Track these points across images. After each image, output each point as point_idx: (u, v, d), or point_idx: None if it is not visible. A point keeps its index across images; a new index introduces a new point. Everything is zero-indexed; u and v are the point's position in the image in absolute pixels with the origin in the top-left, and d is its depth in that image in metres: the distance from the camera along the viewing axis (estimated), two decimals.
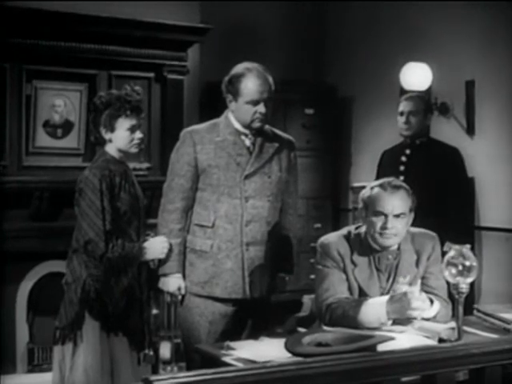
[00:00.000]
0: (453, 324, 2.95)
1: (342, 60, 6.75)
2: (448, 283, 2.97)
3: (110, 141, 3.62)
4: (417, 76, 5.52)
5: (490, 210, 5.35)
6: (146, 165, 5.64)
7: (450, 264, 2.84)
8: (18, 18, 5.09)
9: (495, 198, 5.32)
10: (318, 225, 6.47)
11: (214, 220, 3.63)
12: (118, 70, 5.54)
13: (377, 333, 2.83)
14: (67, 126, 5.44)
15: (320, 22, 6.90)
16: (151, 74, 5.73)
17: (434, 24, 5.74)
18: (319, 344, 2.56)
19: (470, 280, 2.82)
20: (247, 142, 3.68)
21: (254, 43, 6.29)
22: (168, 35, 5.61)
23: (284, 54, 6.63)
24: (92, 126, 3.69)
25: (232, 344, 2.85)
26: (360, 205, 3.31)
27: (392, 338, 2.60)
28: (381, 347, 2.55)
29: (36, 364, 5.40)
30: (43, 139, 5.39)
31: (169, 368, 3.45)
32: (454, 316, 2.92)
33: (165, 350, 3.14)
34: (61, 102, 5.41)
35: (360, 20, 6.53)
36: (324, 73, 6.91)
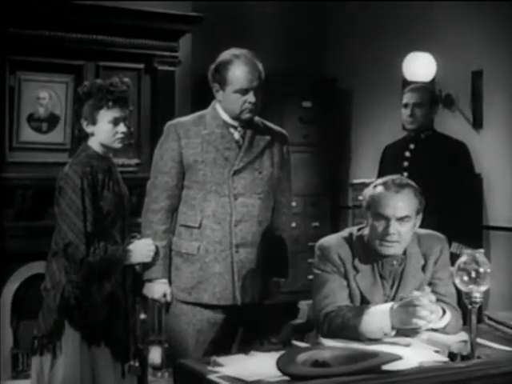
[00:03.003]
0: (464, 336, 2.74)
1: (341, 51, 6.70)
2: (458, 290, 2.73)
3: (92, 134, 3.44)
4: (420, 66, 5.48)
5: (499, 208, 5.30)
6: (135, 161, 5.51)
7: (461, 270, 2.58)
8: (0, 7, 4.94)
9: (504, 195, 5.27)
10: (316, 223, 6.44)
11: (201, 220, 3.44)
12: (105, 60, 5.45)
13: (380, 347, 2.60)
14: (52, 120, 5.35)
15: (319, 12, 6.81)
16: (141, 65, 5.62)
17: (438, 11, 5.67)
18: (316, 363, 2.30)
19: (484, 288, 2.57)
20: (236, 135, 3.49)
21: (250, 34, 6.21)
22: (159, 24, 5.50)
23: (281, 44, 6.59)
24: (75, 117, 3.52)
25: (219, 359, 2.60)
26: (363, 204, 3.06)
27: (399, 358, 2.34)
28: (386, 366, 2.32)
29: (20, 370, 5.29)
30: (27, 134, 5.29)
31: (159, 374, 3.35)
32: (466, 326, 2.69)
33: (155, 355, 3.04)
34: (46, 94, 5.31)
35: (360, 10, 6.46)
36: (322, 64, 6.82)
